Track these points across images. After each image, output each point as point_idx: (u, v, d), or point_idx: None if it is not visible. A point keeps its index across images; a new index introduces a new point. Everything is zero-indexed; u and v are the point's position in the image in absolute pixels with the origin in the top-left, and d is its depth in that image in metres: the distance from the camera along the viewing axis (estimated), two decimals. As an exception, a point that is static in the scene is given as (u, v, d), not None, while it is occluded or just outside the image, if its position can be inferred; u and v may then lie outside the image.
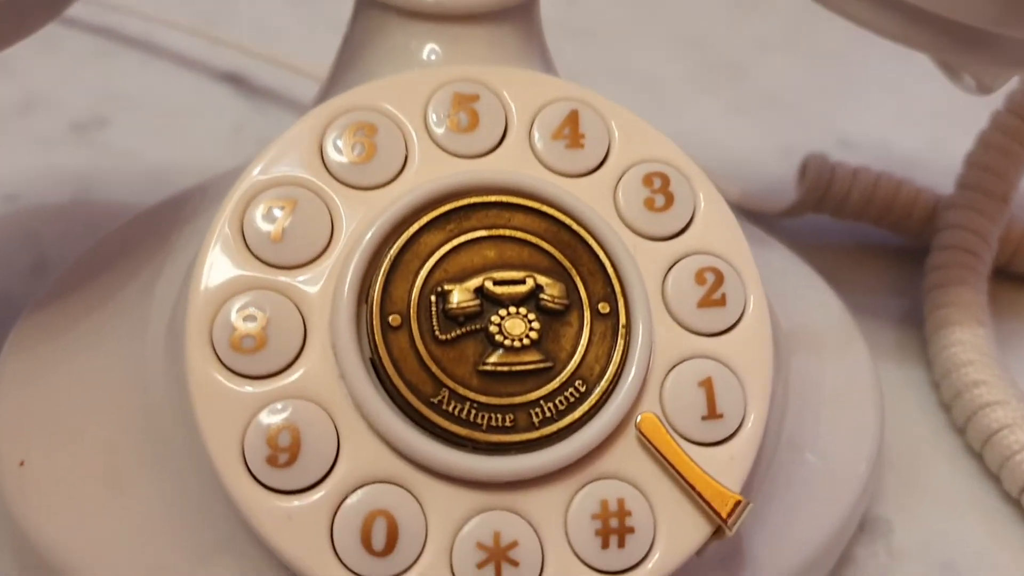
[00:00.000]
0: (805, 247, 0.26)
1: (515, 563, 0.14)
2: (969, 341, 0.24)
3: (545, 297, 0.15)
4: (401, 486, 0.15)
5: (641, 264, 0.16)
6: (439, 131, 0.16)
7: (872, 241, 0.28)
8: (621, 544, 0.15)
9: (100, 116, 0.30)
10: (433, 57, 0.18)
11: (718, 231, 0.17)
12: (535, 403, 0.15)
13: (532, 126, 0.17)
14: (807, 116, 0.33)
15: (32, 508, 0.17)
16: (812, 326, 0.21)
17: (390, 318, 0.15)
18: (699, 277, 0.16)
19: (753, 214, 0.28)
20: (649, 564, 0.15)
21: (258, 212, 0.16)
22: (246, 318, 0.15)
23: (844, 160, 0.28)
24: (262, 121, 0.30)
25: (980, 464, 0.22)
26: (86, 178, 0.28)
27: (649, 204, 0.17)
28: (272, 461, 0.14)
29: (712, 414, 0.16)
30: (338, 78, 0.19)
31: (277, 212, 0.16)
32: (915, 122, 0.33)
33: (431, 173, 0.16)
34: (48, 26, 0.20)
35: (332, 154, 0.16)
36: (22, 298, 0.21)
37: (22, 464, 0.17)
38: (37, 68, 0.32)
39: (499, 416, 0.15)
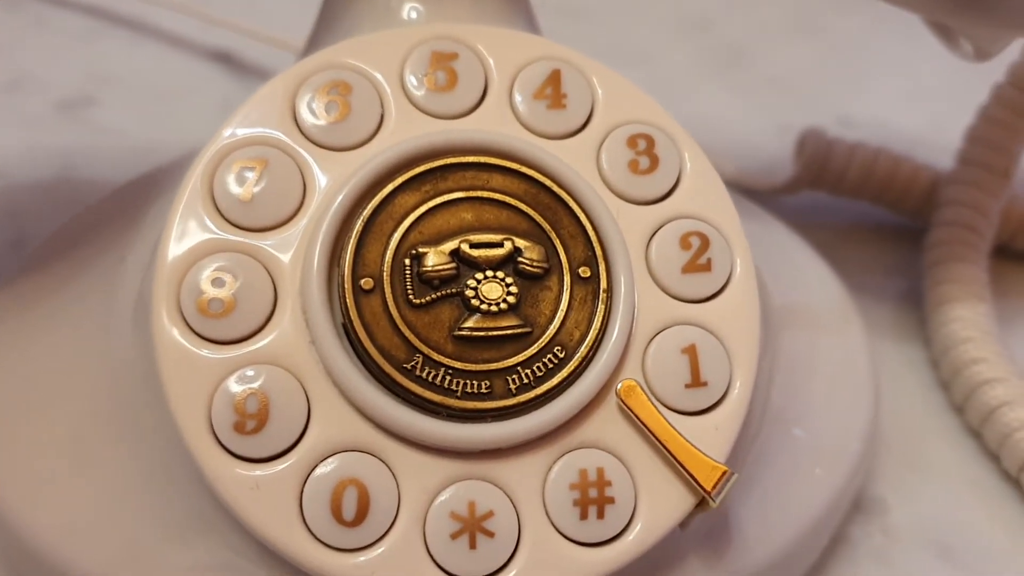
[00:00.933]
0: (802, 225, 0.25)
1: (490, 534, 0.14)
2: (969, 318, 0.23)
3: (524, 260, 0.15)
4: (373, 454, 0.14)
5: (624, 228, 0.16)
6: (416, 90, 0.16)
7: (871, 219, 0.27)
8: (600, 515, 0.14)
9: (87, 95, 0.29)
10: (414, 15, 0.17)
11: (704, 195, 0.16)
12: (512, 369, 0.15)
13: (513, 86, 0.16)
14: (807, 96, 0.32)
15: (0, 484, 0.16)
16: (806, 303, 0.21)
17: (362, 282, 0.15)
18: (684, 242, 0.16)
19: (750, 191, 0.27)
20: (630, 536, 0.14)
21: (229, 174, 0.15)
22: (214, 282, 0.15)
23: (844, 136, 0.27)
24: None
25: (979, 443, 0.22)
26: (71, 156, 0.28)
27: (633, 167, 0.16)
28: (239, 428, 0.14)
29: (696, 382, 0.15)
30: (317, 38, 0.18)
31: (248, 174, 0.15)
32: (917, 102, 0.32)
33: (407, 133, 0.15)
34: (37, 5, 0.19)
35: (305, 114, 0.16)
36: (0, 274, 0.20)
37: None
38: (24, 46, 0.31)
39: (475, 383, 0.14)
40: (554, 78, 0.16)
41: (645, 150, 0.16)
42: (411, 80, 0.16)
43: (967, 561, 0.20)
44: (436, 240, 0.15)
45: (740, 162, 0.29)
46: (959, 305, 0.23)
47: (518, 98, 0.16)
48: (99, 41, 0.32)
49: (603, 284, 0.15)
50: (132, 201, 0.19)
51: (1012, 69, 0.25)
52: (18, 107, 0.29)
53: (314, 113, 0.16)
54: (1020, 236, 0.27)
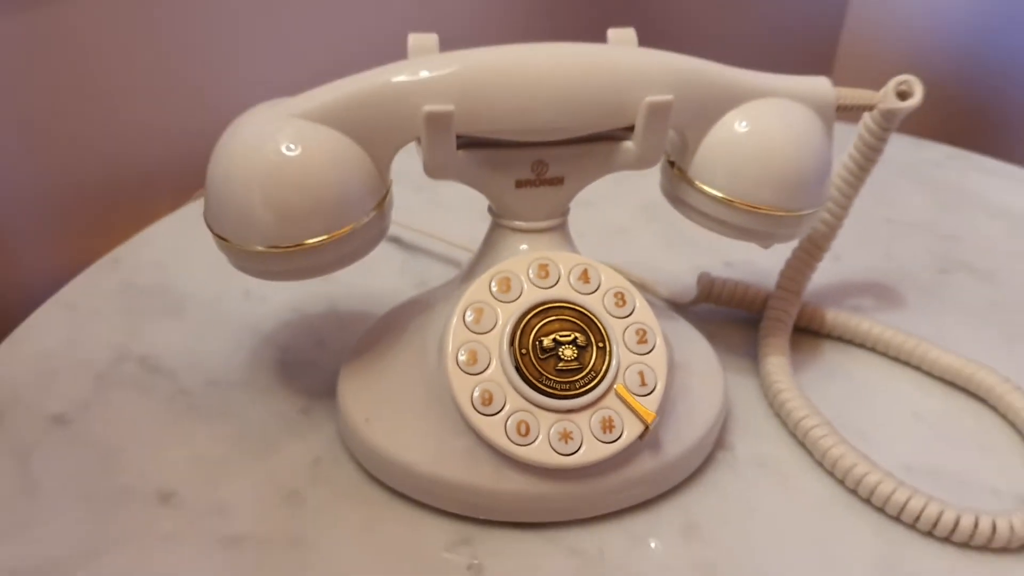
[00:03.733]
0: (701, 320, 0.51)
1: (571, 437, 0.39)
2: (777, 364, 0.49)
3: (578, 341, 0.41)
4: (529, 411, 0.40)
5: (614, 327, 0.41)
6: (533, 278, 0.42)
7: (734, 315, 0.54)
8: (611, 431, 0.40)
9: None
10: (524, 248, 0.44)
11: (644, 313, 0.42)
12: (577, 380, 0.40)
13: (569, 275, 0.42)
14: (705, 248, 0.59)
15: (376, 436, 0.42)
16: (691, 357, 0.47)
17: (522, 350, 0.40)
18: (638, 332, 0.42)
19: (674, 304, 0.54)
20: (623, 437, 0.40)
21: (468, 311, 0.41)
22: (466, 351, 0.40)
23: (724, 274, 0.54)
24: (415, 263, 0.57)
25: (780, 421, 0.47)
26: (332, 298, 0.54)
27: (618, 304, 0.42)
28: (483, 402, 0.39)
29: (643, 384, 0.41)
30: (484, 256, 0.44)
31: (473, 313, 0.41)
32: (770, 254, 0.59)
33: (532, 295, 0.41)
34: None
35: (492, 289, 0.41)
36: (317, 364, 0.46)
37: (367, 420, 0.42)
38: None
39: (565, 384, 0.40)
40: (585, 271, 0.42)
41: (621, 296, 0.42)
42: (531, 274, 0.42)
43: (776, 472, 0.45)
44: (547, 334, 0.41)
45: (670, 288, 0.55)
46: (772, 358, 0.50)
47: (572, 279, 0.42)
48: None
49: (608, 349, 0.41)
50: (411, 311, 0.45)
51: (800, 243, 0.52)
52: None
53: (496, 287, 0.41)
54: (803, 322, 0.53)
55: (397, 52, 0.40)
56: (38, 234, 0.58)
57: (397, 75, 0.39)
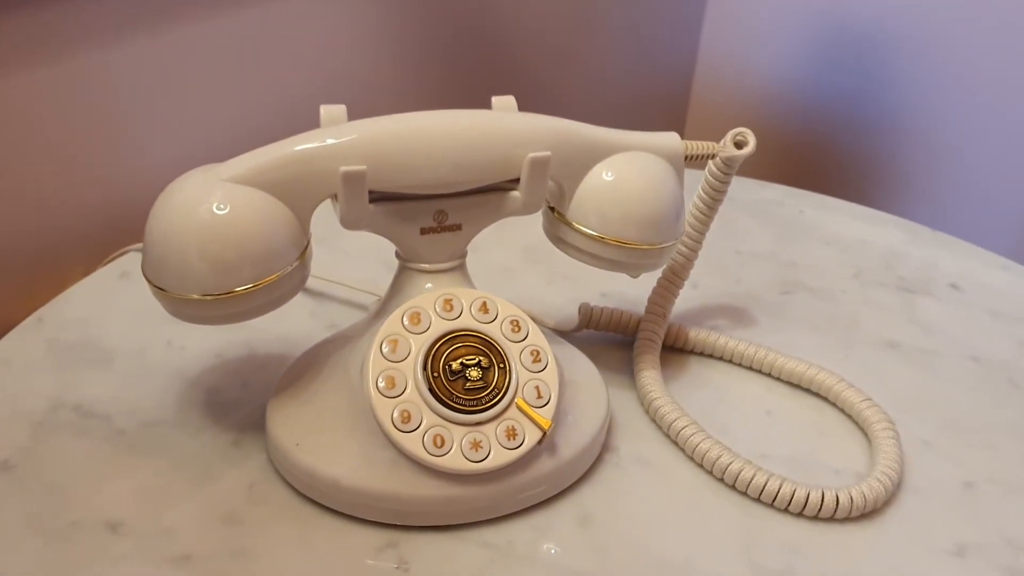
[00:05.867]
0: (584, 344, 0.59)
1: (480, 446, 0.46)
2: (650, 376, 0.57)
3: (482, 363, 0.47)
4: (443, 426, 0.46)
5: (512, 350, 0.48)
6: (439, 311, 0.48)
7: (612, 339, 0.61)
8: (514, 438, 0.46)
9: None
10: (429, 286, 0.50)
11: (537, 337, 0.49)
12: (483, 397, 0.46)
13: (471, 307, 0.49)
14: (584, 284, 0.67)
15: (306, 458, 0.47)
16: (578, 375, 0.54)
17: (433, 374, 0.46)
18: (532, 353, 0.48)
19: (560, 332, 0.61)
20: (525, 443, 0.46)
21: (384, 343, 0.47)
22: (384, 378, 0.46)
23: (601, 303, 0.61)
24: (323, 309, 0.62)
25: (655, 425, 0.55)
26: (249, 343, 0.59)
27: (514, 330, 0.49)
28: (402, 420, 0.45)
29: (539, 397, 0.47)
30: (394, 296, 0.50)
31: (389, 344, 0.47)
32: (638, 284, 0.67)
33: (440, 326, 0.48)
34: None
35: (405, 323, 0.48)
36: (242, 402, 0.51)
37: (297, 444, 0.47)
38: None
39: (473, 401, 0.46)
40: (484, 303, 0.49)
41: (517, 325, 0.49)
42: (437, 308, 0.48)
43: (654, 467, 0.52)
44: (454, 359, 0.47)
45: (555, 317, 0.62)
46: (646, 372, 0.57)
47: (473, 311, 0.49)
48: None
49: (507, 369, 0.47)
50: (332, 347, 0.51)
51: (664, 271, 0.60)
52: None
53: (408, 322, 0.48)
54: (669, 341, 0.61)
55: (304, 120, 0.46)
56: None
57: (315, 141, 0.45)
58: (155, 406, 0.53)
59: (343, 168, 0.44)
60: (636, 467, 0.51)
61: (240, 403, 0.53)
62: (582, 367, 0.54)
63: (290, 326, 0.60)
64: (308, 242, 0.47)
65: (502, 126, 0.48)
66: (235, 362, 0.57)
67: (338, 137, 0.45)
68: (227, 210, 0.43)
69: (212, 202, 0.42)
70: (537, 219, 0.53)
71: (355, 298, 0.63)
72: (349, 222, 0.46)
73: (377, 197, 0.47)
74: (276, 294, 0.46)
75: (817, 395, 0.56)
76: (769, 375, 0.58)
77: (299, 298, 0.63)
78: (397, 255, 0.51)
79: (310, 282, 0.64)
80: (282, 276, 0.45)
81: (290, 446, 0.47)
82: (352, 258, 0.66)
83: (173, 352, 0.58)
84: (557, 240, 0.52)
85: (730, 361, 0.59)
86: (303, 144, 0.45)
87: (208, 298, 0.43)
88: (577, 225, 0.50)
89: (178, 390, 0.54)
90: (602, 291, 0.65)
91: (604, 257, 0.50)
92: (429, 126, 0.46)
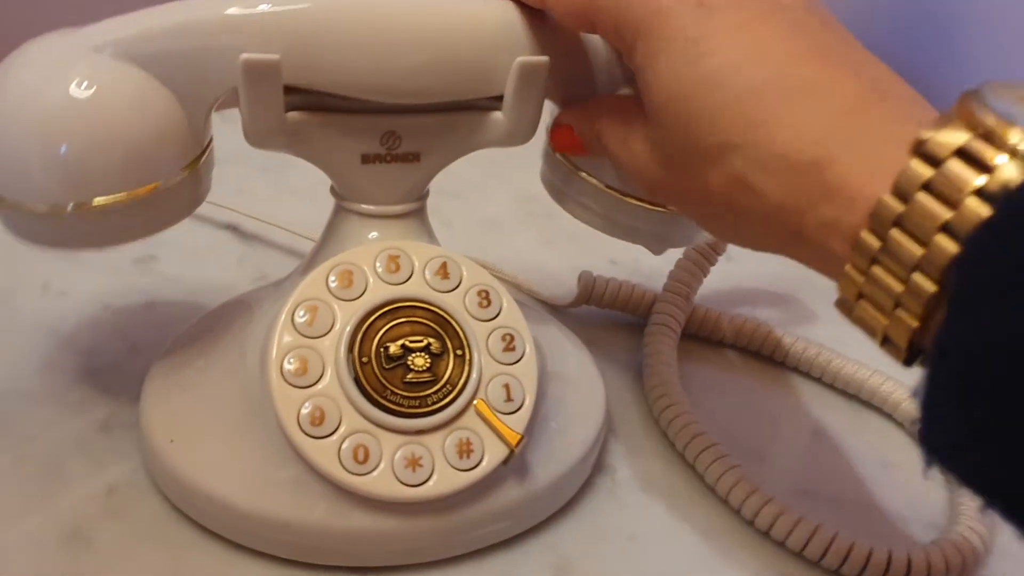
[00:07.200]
0: (581, 324, 0.45)
1: (420, 464, 0.33)
2: (664, 374, 0.43)
3: (432, 348, 0.34)
4: (370, 432, 0.33)
5: (477, 332, 0.35)
6: (381, 272, 0.35)
7: (617, 319, 0.48)
8: (469, 455, 0.33)
9: (150, 254, 0.48)
10: (374, 236, 0.37)
11: (512, 315, 0.36)
12: (429, 395, 0.33)
13: (425, 269, 0.35)
14: (590, 246, 0.53)
15: (182, 461, 0.34)
16: (567, 367, 0.40)
17: (363, 359, 0.33)
18: (504, 337, 0.35)
19: (552, 306, 0.48)
20: (484, 463, 0.33)
21: (298, 310, 0.34)
22: (295, 359, 0.33)
23: (609, 273, 0.48)
24: (255, 255, 0.49)
25: (667, 440, 0.42)
26: (150, 292, 0.46)
27: (481, 304, 0.35)
28: (312, 421, 0.32)
29: (509, 399, 0.34)
30: (325, 245, 0.37)
31: (306, 313, 0.34)
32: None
33: (379, 292, 0.34)
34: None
35: (331, 284, 0.34)
36: (125, 371, 0.38)
37: (172, 441, 0.34)
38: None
39: (415, 400, 0.33)
40: (444, 265, 0.36)
41: (485, 296, 0.36)
42: (378, 267, 0.35)
43: (662, 498, 0.39)
44: (394, 339, 0.34)
45: (549, 289, 0.49)
46: (658, 368, 0.44)
47: (427, 274, 0.35)
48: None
49: (467, 357, 0.34)
50: (233, 314, 0.38)
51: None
52: (106, 262, 0.47)
53: (336, 283, 0.34)
54: (692, 328, 0.48)
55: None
56: None
57: (215, 8, 0.31)
58: (10, 370, 0.40)
59: (244, 56, 0.31)
60: (637, 497, 0.39)
61: (121, 372, 0.41)
62: (574, 356, 0.41)
63: (208, 273, 0.47)
64: (205, 150, 0.34)
65: (485, 16, 0.34)
66: (126, 316, 0.44)
67: (246, 6, 0.31)
68: (90, 91, 0.31)
69: (70, 79, 0.31)
70: (537, 162, 0.39)
71: (298, 245, 0.50)
72: (254, 134, 0.33)
73: (300, 104, 0.33)
74: (151, 213, 0.33)
75: (882, 411, 0.45)
76: (820, 380, 0.46)
77: (226, 240, 0.51)
78: (332, 191, 0.37)
79: (243, 222, 0.52)
80: (160, 189, 0.32)
81: (163, 442, 0.35)
82: (300, 195, 0.53)
83: (49, 298, 0.45)
84: (558, 193, 0.39)
85: (770, 359, 0.47)
86: (199, 12, 0.31)
87: (60, 211, 0.31)
88: (585, 175, 0.36)
89: (44, 349, 0.42)
90: (611, 257, 0.52)
91: (621, 222, 0.37)
92: (380, 4, 0.32)
